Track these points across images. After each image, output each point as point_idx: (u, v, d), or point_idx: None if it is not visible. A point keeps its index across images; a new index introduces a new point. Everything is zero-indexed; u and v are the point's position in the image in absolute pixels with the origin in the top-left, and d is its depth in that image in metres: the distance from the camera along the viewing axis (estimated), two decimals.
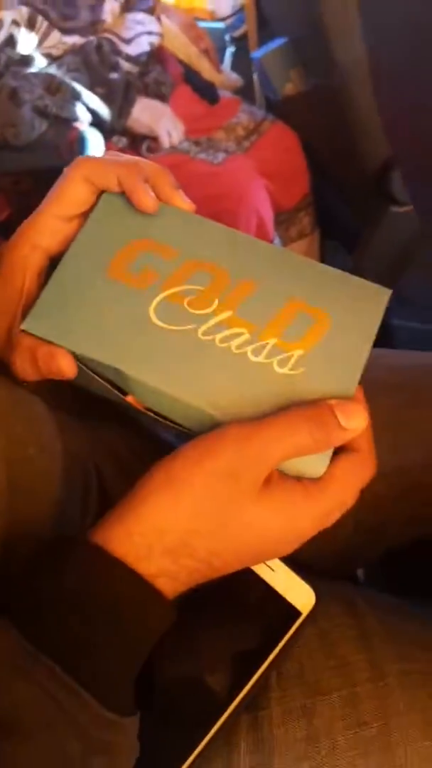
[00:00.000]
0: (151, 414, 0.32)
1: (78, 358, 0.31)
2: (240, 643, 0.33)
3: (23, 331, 0.31)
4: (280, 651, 0.32)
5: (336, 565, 0.47)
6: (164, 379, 0.30)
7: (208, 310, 0.31)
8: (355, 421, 0.28)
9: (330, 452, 0.29)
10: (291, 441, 0.27)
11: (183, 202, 0.33)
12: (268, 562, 0.35)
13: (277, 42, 1.30)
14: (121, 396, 0.32)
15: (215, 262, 0.32)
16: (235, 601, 0.34)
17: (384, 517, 0.47)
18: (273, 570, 0.35)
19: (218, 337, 0.30)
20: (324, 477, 0.29)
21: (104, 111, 1.07)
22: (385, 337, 0.37)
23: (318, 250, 1.38)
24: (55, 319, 0.31)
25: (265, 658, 0.32)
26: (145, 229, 0.33)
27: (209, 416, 0.29)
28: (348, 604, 0.37)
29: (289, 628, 0.33)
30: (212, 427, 0.29)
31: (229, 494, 0.26)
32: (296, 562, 0.34)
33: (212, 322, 0.31)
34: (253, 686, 0.31)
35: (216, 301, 0.31)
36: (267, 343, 0.30)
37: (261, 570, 0.35)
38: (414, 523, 0.47)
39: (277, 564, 0.35)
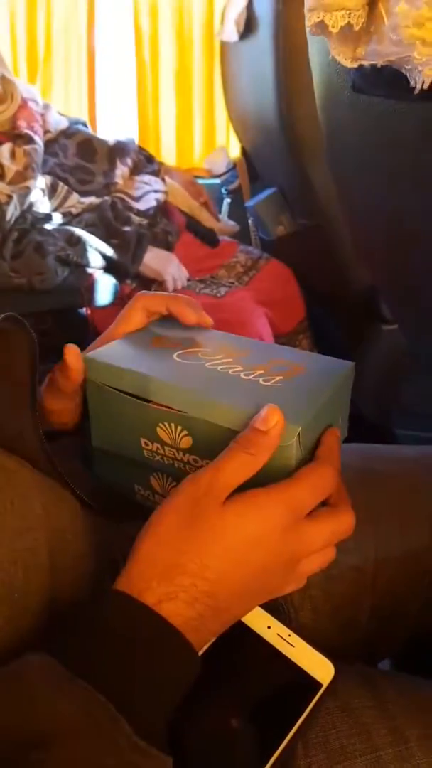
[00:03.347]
0: (165, 408, 0.39)
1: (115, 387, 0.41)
2: (265, 716, 0.35)
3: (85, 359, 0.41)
4: (304, 720, 0.34)
5: (359, 655, 0.49)
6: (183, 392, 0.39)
7: (215, 358, 0.42)
8: (271, 421, 0.33)
9: None
10: (232, 465, 0.33)
11: (208, 319, 0.46)
12: (287, 639, 0.38)
13: (267, 192, 1.49)
14: (145, 403, 0.40)
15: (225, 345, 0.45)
16: (258, 674, 0.37)
17: (400, 601, 0.49)
18: (293, 646, 0.38)
19: (219, 367, 0.41)
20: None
21: (118, 259, 1.21)
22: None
23: None
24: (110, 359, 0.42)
25: (291, 728, 0.34)
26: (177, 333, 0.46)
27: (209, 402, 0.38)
28: (367, 679, 0.39)
29: (312, 698, 0.36)
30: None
31: (192, 515, 0.32)
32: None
33: (216, 361, 0.42)
34: (279, 755, 0.33)
35: (221, 356, 0.43)
36: (256, 372, 0.40)
37: (282, 646, 0.38)
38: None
39: (296, 639, 0.38)
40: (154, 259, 1.28)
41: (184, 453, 0.39)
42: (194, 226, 1.48)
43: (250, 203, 1.51)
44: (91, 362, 0.41)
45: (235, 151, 1.70)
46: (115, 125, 1.80)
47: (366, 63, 0.36)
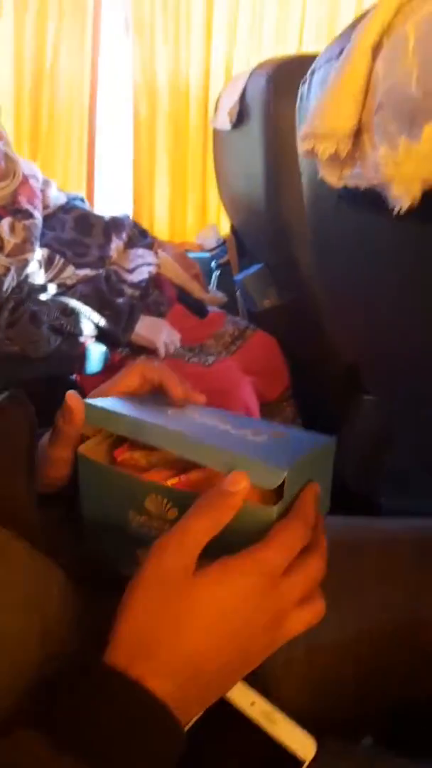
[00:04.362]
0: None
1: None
2: None
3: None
4: None
5: (341, 730, 0.49)
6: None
7: (205, 418, 0.45)
8: (239, 483, 0.35)
9: None
10: (197, 525, 0.34)
11: (198, 397, 0.48)
12: (270, 715, 0.39)
13: (255, 267, 1.56)
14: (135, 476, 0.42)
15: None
16: (240, 752, 0.37)
17: (383, 675, 0.50)
18: (275, 722, 0.39)
19: (208, 422, 0.44)
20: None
21: (111, 329, 1.25)
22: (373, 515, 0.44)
23: None
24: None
25: None
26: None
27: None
28: (349, 756, 0.39)
29: None
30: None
31: (164, 589, 0.32)
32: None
33: (206, 419, 0.45)
34: None
35: (209, 417, 0.46)
36: (243, 431, 0.43)
37: (264, 722, 0.39)
38: (416, 680, 0.50)
39: (278, 716, 0.39)
40: (146, 328, 1.32)
41: (171, 524, 0.41)
42: (185, 298, 1.54)
43: (238, 277, 1.58)
44: (89, 406, 0.44)
45: (225, 228, 1.79)
46: (111, 201, 1.90)
47: (350, 184, 0.41)
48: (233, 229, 1.72)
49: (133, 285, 1.39)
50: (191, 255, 1.75)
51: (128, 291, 1.35)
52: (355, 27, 0.45)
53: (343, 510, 0.53)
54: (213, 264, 1.82)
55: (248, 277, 1.54)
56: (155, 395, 0.49)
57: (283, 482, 0.36)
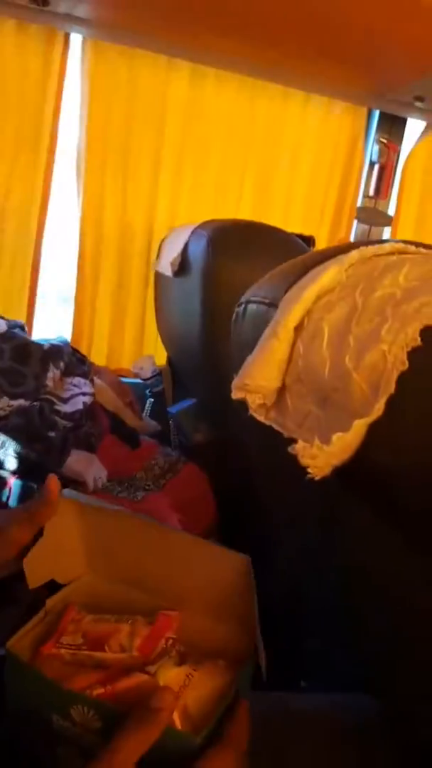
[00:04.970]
0: None
1: None
2: None
3: None
4: None
5: None
6: None
7: None
8: (167, 701, 0.35)
9: None
10: (127, 744, 0.34)
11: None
12: None
13: (188, 402, 1.61)
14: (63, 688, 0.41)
15: None
16: None
17: None
18: None
19: None
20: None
21: (40, 463, 1.25)
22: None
23: None
24: None
25: None
26: None
27: None
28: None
29: None
30: None
31: None
32: None
33: None
34: None
35: None
36: None
37: None
38: None
39: None
40: (77, 462, 1.32)
41: (94, 734, 0.41)
42: (118, 427, 1.56)
43: (172, 409, 1.63)
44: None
45: (161, 358, 1.86)
46: (52, 327, 1.95)
47: (275, 426, 0.46)
48: (169, 361, 1.79)
49: (66, 416, 1.40)
50: (127, 381, 1.80)
51: (61, 423, 1.36)
52: (284, 278, 0.52)
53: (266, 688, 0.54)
54: (148, 392, 1.86)
55: (182, 411, 1.59)
56: None
57: None
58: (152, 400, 1.84)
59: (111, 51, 1.73)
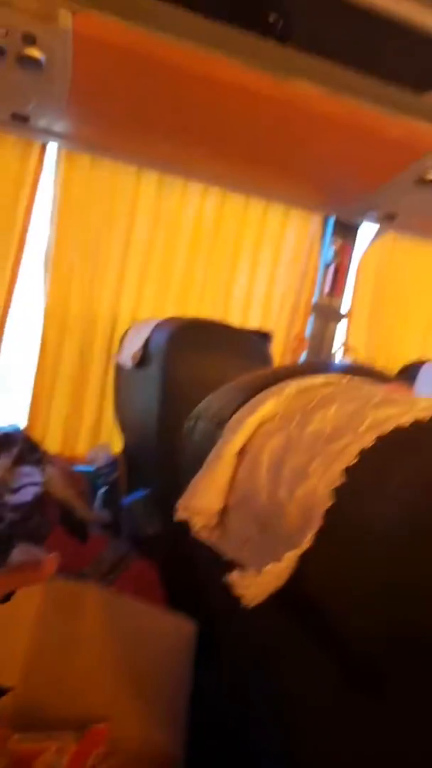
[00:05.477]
0: None
1: None
2: None
3: None
4: None
5: None
6: None
7: None
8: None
9: None
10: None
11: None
12: None
13: (142, 493, 1.61)
14: None
15: None
16: None
17: None
18: None
19: None
20: None
21: None
22: None
23: None
24: None
25: None
26: None
27: None
28: None
29: None
30: None
31: None
32: None
33: None
34: None
35: None
36: None
37: None
38: None
39: None
40: (23, 555, 1.28)
41: None
42: (67, 519, 1.53)
43: (125, 500, 1.61)
44: None
45: (117, 447, 1.86)
46: (7, 410, 1.95)
47: (217, 550, 0.47)
48: (125, 450, 1.79)
49: (14, 507, 1.38)
50: (79, 468, 1.78)
51: (8, 515, 1.34)
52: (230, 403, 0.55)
53: None
54: (100, 480, 1.85)
55: (134, 501, 1.58)
56: None
57: None
58: (105, 489, 1.82)
59: (84, 159, 1.85)
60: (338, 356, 2.45)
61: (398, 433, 0.36)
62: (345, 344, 2.47)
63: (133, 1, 1.01)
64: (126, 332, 1.70)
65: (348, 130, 1.48)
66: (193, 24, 1.07)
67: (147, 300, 1.97)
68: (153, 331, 1.50)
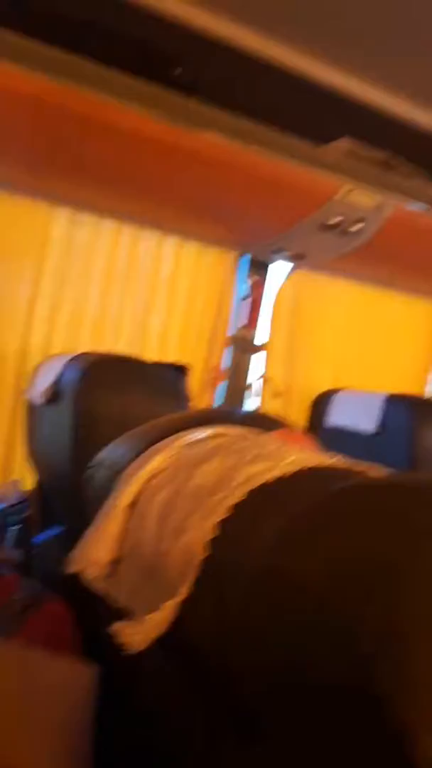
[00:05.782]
0: None
1: None
2: None
3: None
4: None
5: None
6: None
7: None
8: None
9: None
10: None
11: None
12: None
13: (55, 531, 1.58)
14: None
15: None
16: None
17: None
18: None
19: None
20: None
21: None
22: None
23: None
24: None
25: None
26: None
27: None
28: None
29: None
30: None
31: None
32: None
33: None
34: None
35: None
36: None
37: None
38: None
39: None
40: None
41: None
42: None
43: (37, 539, 1.58)
44: None
45: (29, 484, 1.82)
46: None
47: (108, 597, 0.49)
48: (37, 488, 1.76)
49: None
50: None
51: None
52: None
53: None
54: (11, 518, 1.80)
55: (48, 540, 1.55)
56: None
57: None
58: (17, 527, 1.78)
59: None
60: (255, 387, 2.53)
61: (265, 488, 0.40)
62: (263, 375, 2.55)
63: (36, 51, 1.04)
64: (37, 368, 1.68)
65: (254, 179, 1.56)
66: (99, 75, 1.11)
67: (59, 334, 1.97)
68: (65, 366, 1.50)
